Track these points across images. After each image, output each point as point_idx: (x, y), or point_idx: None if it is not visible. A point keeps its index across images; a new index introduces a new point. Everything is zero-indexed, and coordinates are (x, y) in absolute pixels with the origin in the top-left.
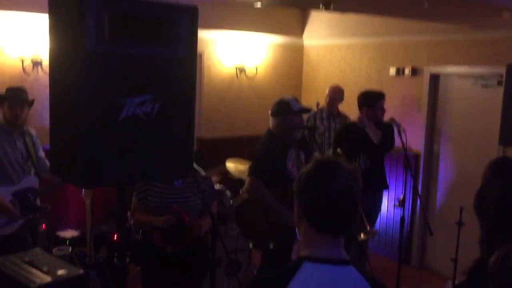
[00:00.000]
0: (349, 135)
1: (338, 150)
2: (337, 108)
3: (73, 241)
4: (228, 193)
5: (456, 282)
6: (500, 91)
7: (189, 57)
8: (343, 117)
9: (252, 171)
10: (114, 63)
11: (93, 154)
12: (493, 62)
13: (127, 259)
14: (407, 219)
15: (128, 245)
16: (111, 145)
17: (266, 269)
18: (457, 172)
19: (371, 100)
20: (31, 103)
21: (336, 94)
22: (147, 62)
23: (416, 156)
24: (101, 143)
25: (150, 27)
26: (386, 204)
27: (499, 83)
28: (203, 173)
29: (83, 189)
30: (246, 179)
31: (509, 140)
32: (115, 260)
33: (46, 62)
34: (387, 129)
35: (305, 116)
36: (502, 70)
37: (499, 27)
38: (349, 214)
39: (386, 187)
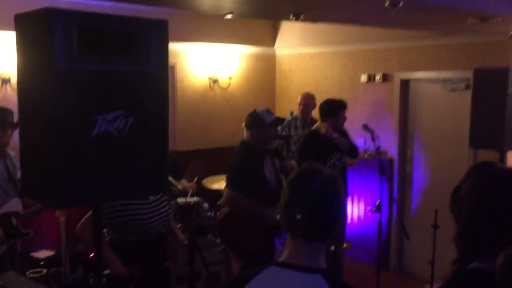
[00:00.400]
0: (316, 145)
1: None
2: (311, 116)
3: (48, 261)
4: (205, 205)
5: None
6: (468, 95)
7: (160, 71)
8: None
9: (229, 184)
10: (84, 80)
11: (65, 173)
12: (461, 66)
13: (104, 279)
14: (384, 224)
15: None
16: (84, 163)
17: None
18: (430, 175)
19: (334, 111)
20: (15, 125)
21: (309, 100)
22: (118, 77)
23: (390, 161)
24: (74, 161)
25: (120, 43)
26: (363, 210)
27: (467, 87)
28: (179, 186)
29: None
30: (224, 191)
31: (479, 143)
32: (90, 280)
33: (14, 79)
34: (347, 136)
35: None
36: (470, 75)
37: (465, 32)
38: (322, 220)
39: (346, 195)
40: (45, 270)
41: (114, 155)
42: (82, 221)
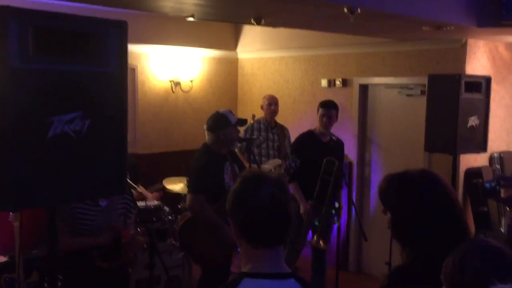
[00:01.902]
0: (309, 145)
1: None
2: (274, 119)
3: (1, 267)
4: (166, 208)
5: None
6: (423, 100)
7: (119, 72)
8: (280, 127)
9: (192, 188)
10: (40, 80)
11: (19, 175)
12: (416, 72)
13: (59, 283)
14: (343, 226)
15: (59, 268)
16: (39, 165)
17: (206, 281)
18: None
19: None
20: None
21: (275, 100)
22: (76, 78)
23: (350, 164)
24: (28, 163)
25: (78, 43)
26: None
27: (423, 92)
28: (139, 189)
29: (11, 212)
30: (187, 195)
31: (434, 147)
32: (45, 284)
33: None
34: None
35: (241, 129)
36: (425, 80)
37: (421, 40)
38: (279, 223)
39: None
40: None
41: (70, 157)
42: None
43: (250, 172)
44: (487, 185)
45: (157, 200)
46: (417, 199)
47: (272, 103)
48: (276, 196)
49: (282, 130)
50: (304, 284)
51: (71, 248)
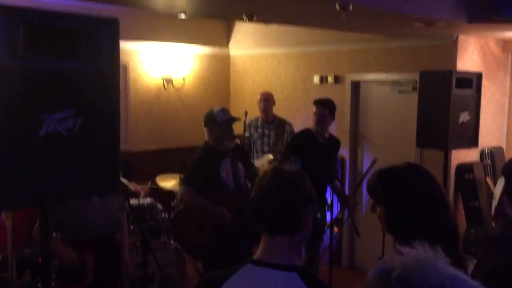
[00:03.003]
0: (305, 143)
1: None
2: (272, 113)
3: None
4: (159, 206)
5: None
6: (415, 96)
7: (111, 70)
8: (280, 123)
9: (183, 180)
10: (31, 79)
11: (11, 174)
12: (408, 69)
13: (52, 283)
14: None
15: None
16: (31, 164)
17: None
18: None
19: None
20: None
21: (269, 96)
22: (67, 76)
23: (342, 161)
24: (20, 162)
25: (69, 40)
26: None
27: (414, 89)
28: (131, 187)
29: (4, 211)
30: (179, 190)
31: (425, 143)
32: (39, 284)
33: None
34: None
35: (239, 125)
36: (417, 77)
37: (412, 36)
38: (281, 213)
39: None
40: None
41: (63, 156)
42: (37, 224)
43: (273, 165)
44: None
45: (145, 194)
46: (406, 192)
47: (262, 99)
48: (282, 187)
49: (282, 125)
50: (307, 280)
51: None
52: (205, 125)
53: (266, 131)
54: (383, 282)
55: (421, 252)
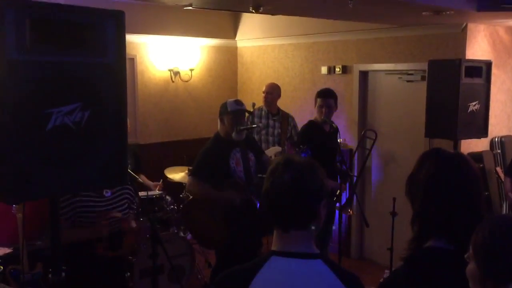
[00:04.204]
0: (312, 135)
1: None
2: (276, 106)
3: (6, 259)
4: (168, 198)
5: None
6: (424, 85)
7: (117, 62)
8: (284, 115)
9: (192, 171)
10: (38, 72)
11: (19, 167)
12: (417, 58)
13: (63, 274)
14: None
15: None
16: (39, 157)
17: (220, 269)
18: (388, 164)
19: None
20: None
21: (273, 89)
22: (74, 69)
23: (350, 151)
24: (29, 154)
25: (75, 34)
26: None
27: (423, 78)
28: (140, 179)
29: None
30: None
31: (434, 133)
32: (50, 275)
33: None
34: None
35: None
36: (425, 66)
37: (421, 25)
38: (294, 209)
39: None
40: (1, 267)
41: (71, 148)
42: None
43: (283, 156)
44: None
45: (159, 190)
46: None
47: (266, 92)
48: (293, 179)
49: (286, 118)
50: (332, 266)
51: (69, 240)
52: (219, 115)
53: (271, 122)
54: None
55: None
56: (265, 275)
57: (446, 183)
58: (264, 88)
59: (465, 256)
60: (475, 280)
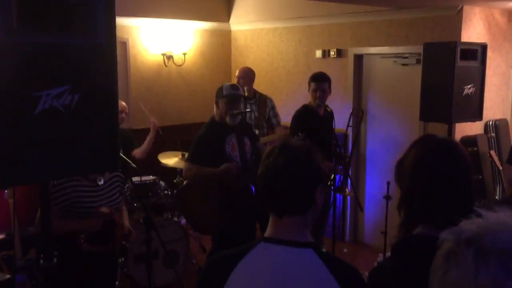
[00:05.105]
0: (306, 118)
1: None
2: (253, 89)
3: None
4: (162, 183)
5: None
6: (419, 69)
7: (107, 44)
8: (261, 98)
9: (188, 157)
10: (25, 54)
11: (8, 151)
12: (412, 41)
13: (54, 259)
14: (339, 197)
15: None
16: (28, 141)
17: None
18: (383, 148)
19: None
20: None
21: (244, 74)
22: (62, 51)
23: (345, 136)
24: (17, 139)
25: (64, 14)
26: None
27: (418, 61)
28: (132, 164)
29: (5, 190)
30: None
31: (429, 116)
32: (41, 261)
33: None
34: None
35: None
36: (420, 49)
37: (416, 8)
38: (287, 194)
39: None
40: None
41: (60, 132)
42: (39, 212)
43: (281, 141)
44: None
45: (155, 125)
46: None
47: (238, 77)
48: (284, 164)
49: (264, 101)
50: (324, 257)
51: (58, 231)
52: (215, 99)
53: (248, 106)
54: (454, 243)
55: (502, 215)
56: (250, 261)
57: (432, 168)
58: (236, 73)
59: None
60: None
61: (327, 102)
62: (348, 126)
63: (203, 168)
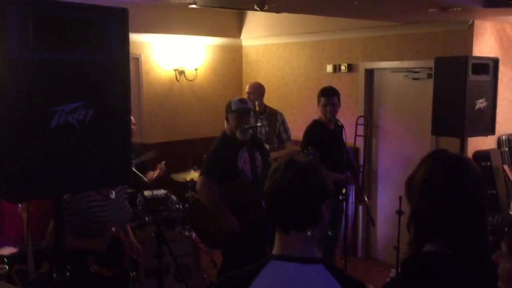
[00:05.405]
0: (318, 134)
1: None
2: (263, 104)
3: (12, 258)
4: (173, 197)
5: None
6: (430, 83)
7: (121, 60)
8: (271, 113)
9: (202, 171)
10: (41, 70)
11: (23, 165)
12: (423, 56)
13: (67, 273)
14: (350, 212)
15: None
16: (42, 155)
17: (226, 269)
18: (395, 163)
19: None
20: None
21: (254, 89)
22: (77, 67)
23: (356, 150)
24: (32, 153)
25: (79, 31)
26: None
27: (429, 75)
28: (144, 178)
29: (20, 204)
30: (197, 179)
31: (441, 130)
32: (54, 275)
33: None
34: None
35: None
36: (431, 64)
37: (427, 23)
38: (294, 209)
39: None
40: (6, 266)
41: (74, 147)
42: (50, 226)
43: (288, 158)
44: None
45: (162, 171)
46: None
47: (248, 92)
48: (291, 179)
49: (274, 115)
50: (334, 272)
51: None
52: (225, 114)
53: (258, 121)
54: None
55: None
56: (263, 280)
57: (442, 184)
58: (246, 89)
59: (493, 256)
60: (510, 280)
61: (339, 117)
62: (356, 136)
63: (216, 200)
